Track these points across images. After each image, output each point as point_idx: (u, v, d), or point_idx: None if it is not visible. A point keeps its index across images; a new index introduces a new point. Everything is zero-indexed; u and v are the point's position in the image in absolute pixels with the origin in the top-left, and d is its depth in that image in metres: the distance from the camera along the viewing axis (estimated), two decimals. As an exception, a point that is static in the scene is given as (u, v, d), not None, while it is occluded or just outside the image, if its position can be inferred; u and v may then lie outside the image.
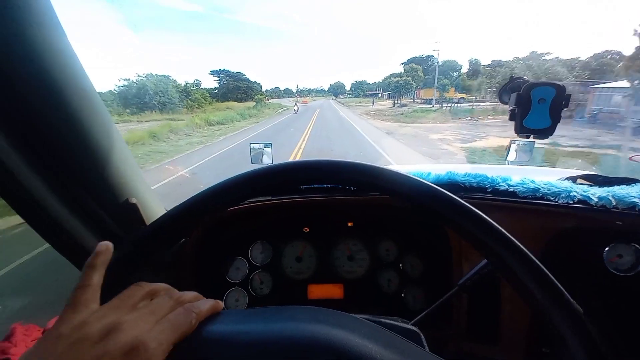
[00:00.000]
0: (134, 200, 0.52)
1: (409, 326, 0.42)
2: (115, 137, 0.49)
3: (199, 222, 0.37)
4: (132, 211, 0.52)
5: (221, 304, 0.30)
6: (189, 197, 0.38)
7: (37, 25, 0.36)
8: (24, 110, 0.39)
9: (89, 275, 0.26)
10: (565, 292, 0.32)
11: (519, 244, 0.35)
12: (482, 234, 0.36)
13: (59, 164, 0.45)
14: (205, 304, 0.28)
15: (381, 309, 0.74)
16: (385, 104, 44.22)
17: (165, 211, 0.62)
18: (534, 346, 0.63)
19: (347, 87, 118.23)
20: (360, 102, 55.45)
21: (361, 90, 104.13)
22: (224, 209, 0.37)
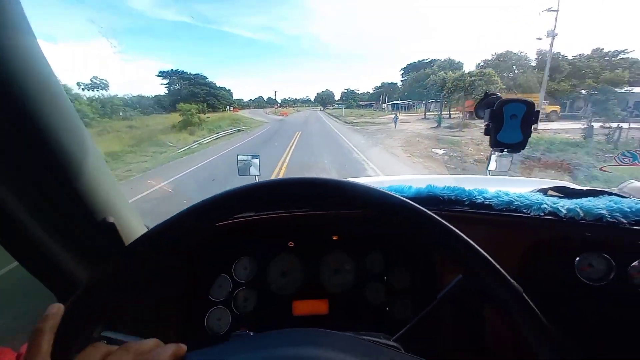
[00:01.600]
0: (111, 219, 0.51)
1: (391, 342, 0.43)
2: (92, 152, 0.48)
3: (178, 246, 0.37)
4: (109, 231, 0.50)
5: (183, 347, 0.30)
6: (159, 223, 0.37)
7: (9, 35, 0.35)
8: None
9: (37, 342, 0.25)
10: (532, 305, 0.34)
11: (489, 258, 0.37)
12: (455, 248, 0.38)
13: (32, 180, 0.43)
14: (166, 353, 0.28)
15: (367, 323, 0.74)
16: (410, 118, 27.03)
17: (145, 229, 0.61)
18: (519, 355, 0.64)
19: (337, 97, 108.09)
20: (361, 115, 37.57)
21: (353, 99, 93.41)
22: (196, 234, 0.37)
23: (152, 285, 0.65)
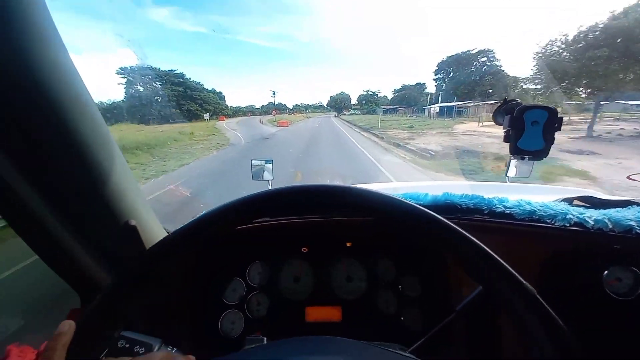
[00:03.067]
0: (133, 222, 0.52)
1: (407, 354, 0.42)
2: (116, 156, 0.49)
3: (195, 249, 0.37)
4: (131, 233, 0.52)
5: (193, 358, 0.30)
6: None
7: (41, 45, 0.36)
8: (25, 131, 0.39)
9: (49, 358, 0.26)
10: (558, 319, 0.33)
11: (514, 272, 0.35)
12: (476, 261, 0.37)
13: (58, 184, 0.45)
14: None
15: (380, 331, 0.72)
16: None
17: (164, 233, 0.63)
18: None
19: (353, 100, 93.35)
20: (412, 127, 20.42)
21: (374, 103, 78.13)
22: (214, 239, 0.38)
23: (168, 288, 0.66)
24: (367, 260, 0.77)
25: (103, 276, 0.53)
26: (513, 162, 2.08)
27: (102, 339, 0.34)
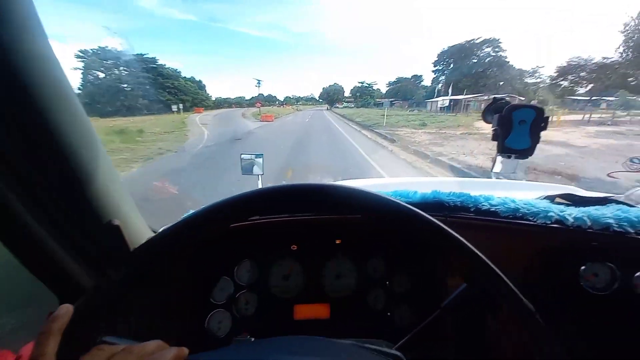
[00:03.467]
0: (117, 222, 0.50)
1: (393, 351, 0.43)
2: (99, 152, 0.47)
3: (182, 250, 0.37)
4: (114, 234, 0.50)
5: (185, 350, 0.30)
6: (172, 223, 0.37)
7: (21, 36, 0.34)
8: (1, 124, 0.37)
9: (44, 343, 0.25)
10: (536, 314, 0.34)
11: (495, 268, 0.36)
12: (459, 257, 0.37)
13: (37, 183, 0.43)
14: (168, 355, 0.28)
15: (368, 328, 0.74)
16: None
17: (151, 232, 0.61)
18: None
19: (347, 93, 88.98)
20: (427, 124, 16.43)
21: (369, 96, 73.95)
22: (200, 239, 0.37)
23: (153, 288, 0.65)
24: (356, 258, 0.77)
25: (85, 279, 0.51)
26: (499, 159, 2.13)
27: (82, 342, 0.33)
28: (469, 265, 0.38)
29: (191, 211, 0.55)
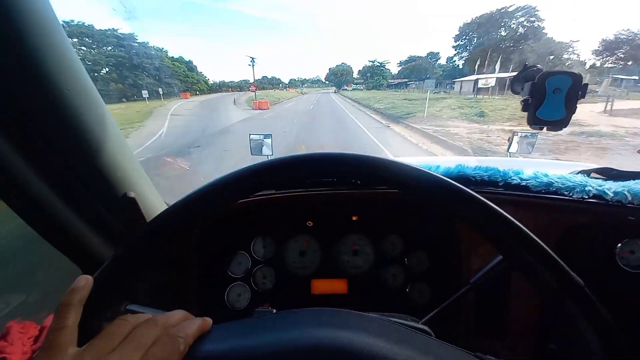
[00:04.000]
0: (132, 195, 0.49)
1: (420, 325, 0.41)
2: (112, 129, 0.47)
3: (199, 221, 0.35)
4: (130, 206, 0.49)
5: (209, 320, 0.29)
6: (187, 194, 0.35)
7: (30, 12, 0.33)
8: (17, 103, 0.36)
9: (64, 315, 0.24)
10: (586, 289, 0.31)
11: (537, 239, 0.34)
12: (498, 228, 0.35)
13: (54, 158, 0.43)
14: (193, 325, 0.27)
15: (386, 304, 0.73)
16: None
17: (165, 205, 0.60)
18: (541, 343, 0.62)
19: (356, 73, 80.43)
20: (487, 114, 10.98)
21: (381, 76, 64.57)
22: (225, 205, 0.35)
23: (173, 261, 0.65)
24: (372, 235, 0.76)
25: (105, 250, 0.51)
26: (515, 139, 2.04)
27: (107, 311, 0.32)
28: (508, 237, 0.35)
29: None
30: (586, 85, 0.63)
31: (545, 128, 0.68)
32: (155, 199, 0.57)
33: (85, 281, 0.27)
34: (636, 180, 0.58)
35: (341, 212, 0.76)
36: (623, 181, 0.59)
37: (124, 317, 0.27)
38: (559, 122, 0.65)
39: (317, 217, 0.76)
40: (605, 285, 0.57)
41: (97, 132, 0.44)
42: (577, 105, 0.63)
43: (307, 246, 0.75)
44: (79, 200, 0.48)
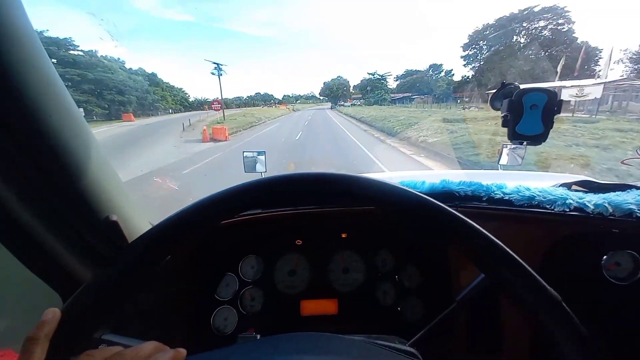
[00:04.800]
0: (114, 218, 0.49)
1: (406, 347, 0.40)
2: (95, 150, 0.47)
3: (180, 245, 0.35)
4: (113, 229, 0.49)
5: (183, 352, 0.28)
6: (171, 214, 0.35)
7: (9, 32, 0.33)
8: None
9: (30, 350, 0.24)
10: (564, 305, 0.31)
11: (516, 257, 0.34)
12: (477, 247, 0.35)
13: (34, 179, 0.42)
14: (165, 357, 0.26)
15: (377, 323, 0.71)
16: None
17: (150, 226, 0.59)
18: (536, 357, 0.61)
19: (351, 88, 74.87)
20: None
21: (382, 90, 59.48)
22: (201, 231, 0.35)
23: (156, 285, 0.63)
24: (363, 251, 0.75)
25: (85, 275, 0.50)
26: (505, 151, 2.08)
27: (80, 340, 0.31)
28: (486, 254, 0.35)
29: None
30: (561, 101, 0.65)
31: (525, 142, 0.70)
32: (140, 222, 0.56)
33: (53, 314, 0.26)
34: (616, 192, 0.59)
35: (330, 230, 0.76)
36: (604, 193, 0.60)
37: (90, 352, 0.26)
38: (538, 137, 0.67)
39: (306, 235, 0.75)
40: (594, 298, 0.57)
41: (81, 154, 0.43)
42: (554, 120, 0.66)
43: (297, 265, 0.74)
44: (59, 223, 0.47)
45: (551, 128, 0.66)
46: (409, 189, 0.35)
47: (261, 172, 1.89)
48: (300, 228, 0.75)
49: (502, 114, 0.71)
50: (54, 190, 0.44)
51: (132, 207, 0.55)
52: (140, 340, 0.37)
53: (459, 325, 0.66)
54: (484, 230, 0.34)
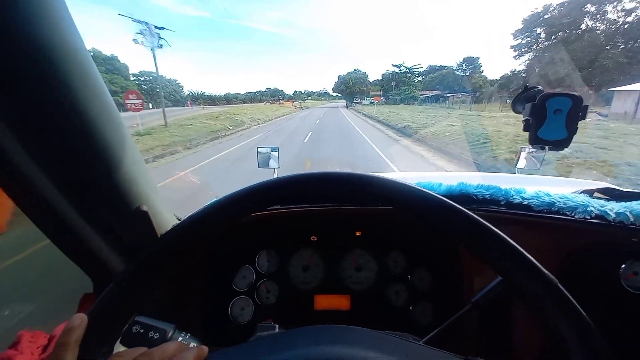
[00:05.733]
0: (145, 208, 0.51)
1: (421, 344, 0.41)
2: (128, 142, 0.48)
3: (208, 237, 0.37)
4: (143, 219, 0.51)
5: (205, 349, 0.30)
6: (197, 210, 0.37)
7: (54, 28, 0.35)
8: (38, 117, 0.38)
9: (61, 357, 0.25)
10: (586, 317, 0.32)
11: (537, 263, 0.34)
12: (497, 251, 0.35)
13: (71, 170, 0.44)
14: (189, 356, 0.28)
15: (388, 322, 0.72)
16: None
17: (175, 219, 0.62)
18: None
19: (371, 80, 61.91)
20: None
21: (410, 85, 47.91)
22: (227, 225, 0.37)
23: (178, 274, 0.66)
24: (376, 251, 0.76)
25: (116, 261, 0.53)
26: (523, 154, 2.04)
27: (116, 324, 0.34)
28: (505, 258, 0.36)
29: (215, 199, 0.55)
30: (586, 106, 0.64)
31: (547, 148, 0.69)
32: (167, 213, 0.59)
33: (80, 320, 0.27)
34: (638, 201, 0.58)
35: (345, 228, 0.77)
36: (626, 202, 0.59)
37: (119, 353, 0.28)
38: (561, 142, 0.66)
39: (321, 232, 0.77)
40: (611, 307, 0.57)
41: (116, 147, 0.45)
42: (578, 126, 0.64)
43: (311, 261, 0.76)
44: (93, 211, 0.49)
45: (575, 133, 0.65)
46: (427, 191, 0.36)
47: (274, 168, 1.92)
48: (315, 225, 0.77)
49: (524, 118, 0.70)
50: (92, 182, 0.46)
51: (160, 199, 0.57)
52: (169, 323, 0.39)
53: (470, 327, 0.66)
54: (503, 235, 0.35)
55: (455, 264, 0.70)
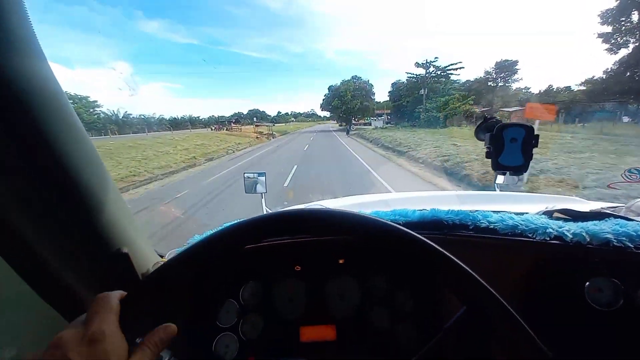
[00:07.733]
0: (125, 250, 0.52)
1: None
2: (108, 180, 0.49)
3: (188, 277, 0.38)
4: (123, 261, 0.52)
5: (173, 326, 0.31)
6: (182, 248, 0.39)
7: (26, 67, 0.36)
8: (14, 153, 0.38)
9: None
10: (536, 339, 0.34)
11: (491, 290, 0.37)
12: (452, 277, 0.38)
13: (50, 210, 0.44)
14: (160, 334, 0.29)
15: (375, 349, 0.73)
16: None
17: (158, 259, 0.63)
18: None
19: (380, 96, 48.91)
20: None
21: (445, 93, 30.13)
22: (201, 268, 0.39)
23: (162, 313, 0.66)
24: (359, 277, 0.78)
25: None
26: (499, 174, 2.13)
27: None
28: (465, 287, 0.39)
29: (197, 236, 0.57)
30: (537, 135, 0.71)
31: (507, 173, 0.75)
32: (149, 253, 0.60)
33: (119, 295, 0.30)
34: (594, 222, 0.63)
35: (328, 256, 0.79)
36: (583, 222, 0.64)
37: None
38: (519, 168, 0.72)
39: (304, 261, 0.78)
40: (577, 324, 0.59)
41: (95, 188, 0.46)
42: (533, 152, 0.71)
43: (295, 291, 0.77)
44: (72, 255, 0.49)
45: (530, 159, 0.72)
46: (393, 224, 0.39)
47: (261, 193, 1.94)
48: (298, 255, 0.78)
49: (485, 146, 0.77)
50: (71, 223, 0.46)
51: (142, 238, 0.59)
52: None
53: (450, 353, 0.67)
54: (460, 263, 0.38)
55: (436, 287, 0.72)
